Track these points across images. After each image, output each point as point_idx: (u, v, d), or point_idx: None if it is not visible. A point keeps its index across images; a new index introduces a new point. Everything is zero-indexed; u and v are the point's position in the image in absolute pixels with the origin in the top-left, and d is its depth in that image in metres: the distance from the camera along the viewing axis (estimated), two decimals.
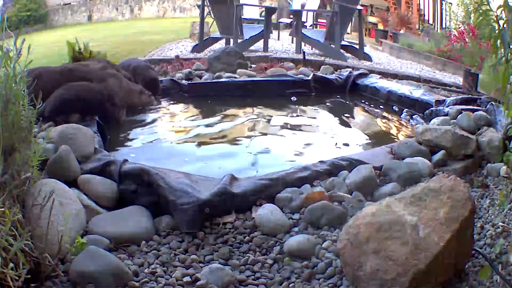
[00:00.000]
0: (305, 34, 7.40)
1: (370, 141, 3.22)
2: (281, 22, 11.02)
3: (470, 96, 3.68)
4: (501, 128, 2.58)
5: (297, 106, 4.00)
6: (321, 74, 4.67)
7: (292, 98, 4.07)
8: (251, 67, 5.10)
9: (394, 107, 3.94)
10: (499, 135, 2.50)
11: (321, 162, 2.31)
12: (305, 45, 7.44)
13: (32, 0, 14.85)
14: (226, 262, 1.70)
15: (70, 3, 16.16)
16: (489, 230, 1.79)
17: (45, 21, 15.35)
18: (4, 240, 1.36)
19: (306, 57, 5.96)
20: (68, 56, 4.67)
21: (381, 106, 4.06)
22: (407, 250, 1.44)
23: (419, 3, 12.40)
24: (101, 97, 2.98)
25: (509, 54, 1.51)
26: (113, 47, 7.51)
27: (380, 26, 11.77)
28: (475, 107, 3.12)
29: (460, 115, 2.83)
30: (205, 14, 7.45)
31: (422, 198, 1.58)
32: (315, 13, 10.08)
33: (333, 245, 1.71)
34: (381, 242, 1.48)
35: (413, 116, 3.64)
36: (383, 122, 3.73)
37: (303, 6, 9.83)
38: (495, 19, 1.54)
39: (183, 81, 4.32)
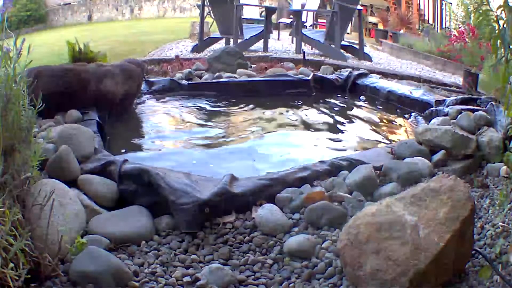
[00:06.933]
0: (305, 34, 7.39)
1: (370, 141, 3.22)
2: (281, 22, 11.00)
3: (470, 96, 3.68)
4: (501, 128, 2.57)
5: (297, 106, 4.00)
6: (321, 74, 4.67)
7: (288, 104, 4.05)
8: (251, 67, 5.09)
9: (403, 109, 3.92)
10: (499, 135, 2.50)
11: (321, 162, 2.31)
12: (305, 45, 7.44)
13: (32, 0, 14.83)
14: (226, 262, 1.70)
15: (70, 3, 16.14)
16: (489, 230, 1.79)
17: (45, 21, 15.33)
18: (4, 240, 1.36)
19: (306, 57, 5.95)
20: (68, 56, 4.67)
21: (379, 106, 4.06)
22: (407, 250, 1.44)
23: (419, 3, 12.39)
24: None
25: (509, 54, 1.51)
26: (113, 47, 7.50)
27: (380, 26, 11.76)
28: (475, 107, 3.12)
29: (460, 115, 2.82)
30: (205, 14, 7.45)
31: (422, 198, 1.57)
32: (315, 13, 10.07)
33: (333, 245, 1.71)
34: (381, 242, 1.48)
35: (412, 115, 3.63)
36: (383, 122, 3.73)
37: (303, 6, 9.82)
38: (495, 19, 1.54)
39: (183, 81, 4.31)
